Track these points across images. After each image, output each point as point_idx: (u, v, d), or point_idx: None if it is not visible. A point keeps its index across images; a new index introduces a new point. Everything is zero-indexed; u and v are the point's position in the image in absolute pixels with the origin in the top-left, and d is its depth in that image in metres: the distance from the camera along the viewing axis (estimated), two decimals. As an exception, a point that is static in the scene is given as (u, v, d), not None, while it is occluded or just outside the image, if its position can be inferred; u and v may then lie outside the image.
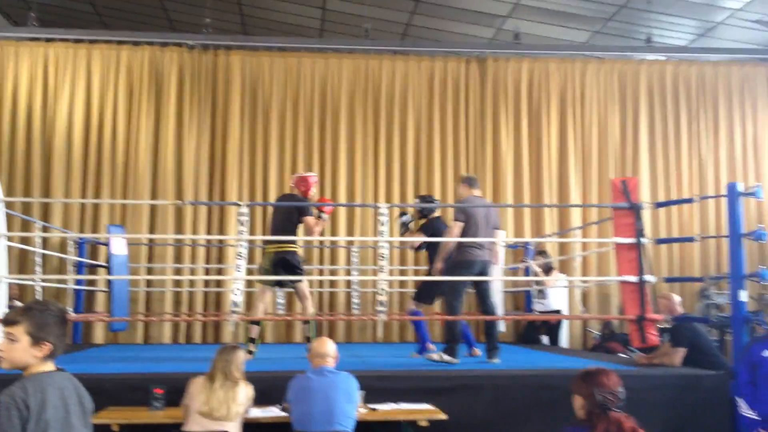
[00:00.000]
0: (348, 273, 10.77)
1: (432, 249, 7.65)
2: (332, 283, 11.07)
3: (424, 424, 5.12)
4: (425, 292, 7.84)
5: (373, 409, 5.22)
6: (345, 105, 11.64)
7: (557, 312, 9.76)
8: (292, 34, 12.09)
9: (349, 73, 11.75)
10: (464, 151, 11.75)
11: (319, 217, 7.51)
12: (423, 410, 5.29)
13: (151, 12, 11.79)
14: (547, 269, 9.73)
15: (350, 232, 11.20)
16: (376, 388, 5.50)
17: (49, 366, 2.84)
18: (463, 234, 6.85)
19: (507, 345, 10.18)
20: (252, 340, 7.42)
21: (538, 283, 9.69)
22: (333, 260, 11.26)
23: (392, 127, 11.69)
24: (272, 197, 11.16)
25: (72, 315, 8.59)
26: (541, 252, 10.17)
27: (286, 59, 11.70)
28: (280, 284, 7.60)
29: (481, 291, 7.09)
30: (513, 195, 11.61)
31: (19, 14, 11.84)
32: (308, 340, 7.42)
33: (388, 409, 5.29)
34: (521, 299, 10.89)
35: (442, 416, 5.13)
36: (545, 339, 10.12)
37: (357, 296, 10.46)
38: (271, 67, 11.63)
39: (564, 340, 10.36)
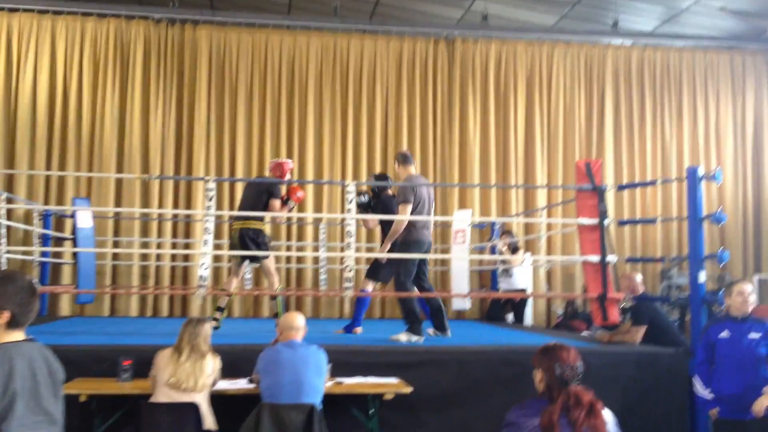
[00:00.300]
0: (315, 249, 10.81)
1: (385, 226, 7.48)
2: (300, 260, 11.13)
3: (389, 397, 5.22)
4: (377, 271, 7.76)
5: (340, 383, 5.30)
6: (313, 82, 11.62)
7: (522, 290, 9.91)
8: (260, 9, 11.97)
9: (317, 51, 11.72)
10: (431, 131, 11.82)
11: (285, 203, 7.56)
12: (388, 384, 5.38)
13: (118, -16, 11.59)
14: (513, 249, 9.87)
15: (318, 208, 11.22)
16: (344, 363, 5.58)
17: (17, 336, 2.81)
18: (411, 214, 6.74)
19: (472, 322, 10.35)
20: (220, 309, 7.48)
21: (503, 262, 9.83)
22: (300, 237, 11.30)
23: (360, 105, 11.71)
24: (239, 173, 11.16)
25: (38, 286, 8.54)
26: (507, 231, 10.30)
27: (254, 35, 11.63)
28: (251, 259, 7.66)
29: (422, 271, 7.02)
30: (480, 175, 11.72)
31: (-19, -18, 11.57)
32: (276, 315, 7.48)
33: (354, 382, 5.38)
34: (487, 277, 11.03)
35: (407, 389, 5.23)
36: (510, 317, 10.28)
37: (324, 272, 10.51)
38: (238, 42, 11.55)
39: (528, 318, 10.54)
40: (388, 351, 6.06)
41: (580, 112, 12.20)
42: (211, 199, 6.67)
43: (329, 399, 5.03)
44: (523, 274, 9.99)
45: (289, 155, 11.30)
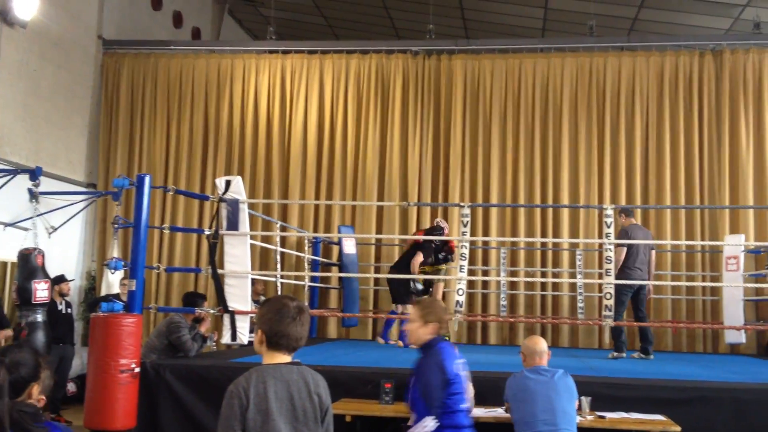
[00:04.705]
0: (572, 276, 10.52)
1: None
2: (556, 286, 10.87)
3: (655, 436, 4.94)
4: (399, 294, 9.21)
5: (602, 417, 5.11)
6: (567, 105, 11.37)
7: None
8: (514, 35, 12.06)
9: (571, 72, 11.45)
10: (698, 151, 11.03)
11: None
12: (655, 421, 5.11)
13: (378, 21, 12.25)
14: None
15: (574, 234, 10.91)
16: (604, 396, 5.39)
17: (280, 358, 2.85)
18: (626, 259, 8.11)
19: (749, 358, 9.48)
20: None
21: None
22: (556, 263, 11.06)
23: (618, 126, 11.24)
24: (494, 199, 11.16)
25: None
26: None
27: (508, 60, 11.63)
28: None
29: (637, 302, 8.36)
30: (755, 195, 10.71)
31: (259, 29, 12.78)
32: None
33: (617, 417, 5.16)
34: (765, 309, 10.07)
35: (676, 428, 4.91)
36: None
37: (581, 300, 10.20)
38: (492, 69, 11.61)
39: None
40: (652, 385, 5.77)
41: None
42: (466, 225, 6.99)
43: (590, 434, 4.86)
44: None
45: (543, 180, 11.21)
